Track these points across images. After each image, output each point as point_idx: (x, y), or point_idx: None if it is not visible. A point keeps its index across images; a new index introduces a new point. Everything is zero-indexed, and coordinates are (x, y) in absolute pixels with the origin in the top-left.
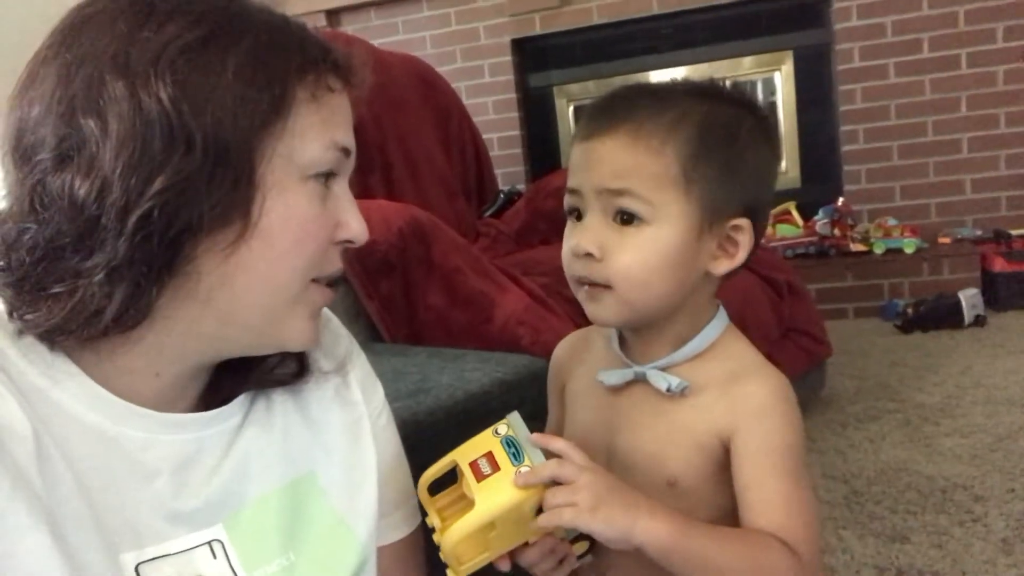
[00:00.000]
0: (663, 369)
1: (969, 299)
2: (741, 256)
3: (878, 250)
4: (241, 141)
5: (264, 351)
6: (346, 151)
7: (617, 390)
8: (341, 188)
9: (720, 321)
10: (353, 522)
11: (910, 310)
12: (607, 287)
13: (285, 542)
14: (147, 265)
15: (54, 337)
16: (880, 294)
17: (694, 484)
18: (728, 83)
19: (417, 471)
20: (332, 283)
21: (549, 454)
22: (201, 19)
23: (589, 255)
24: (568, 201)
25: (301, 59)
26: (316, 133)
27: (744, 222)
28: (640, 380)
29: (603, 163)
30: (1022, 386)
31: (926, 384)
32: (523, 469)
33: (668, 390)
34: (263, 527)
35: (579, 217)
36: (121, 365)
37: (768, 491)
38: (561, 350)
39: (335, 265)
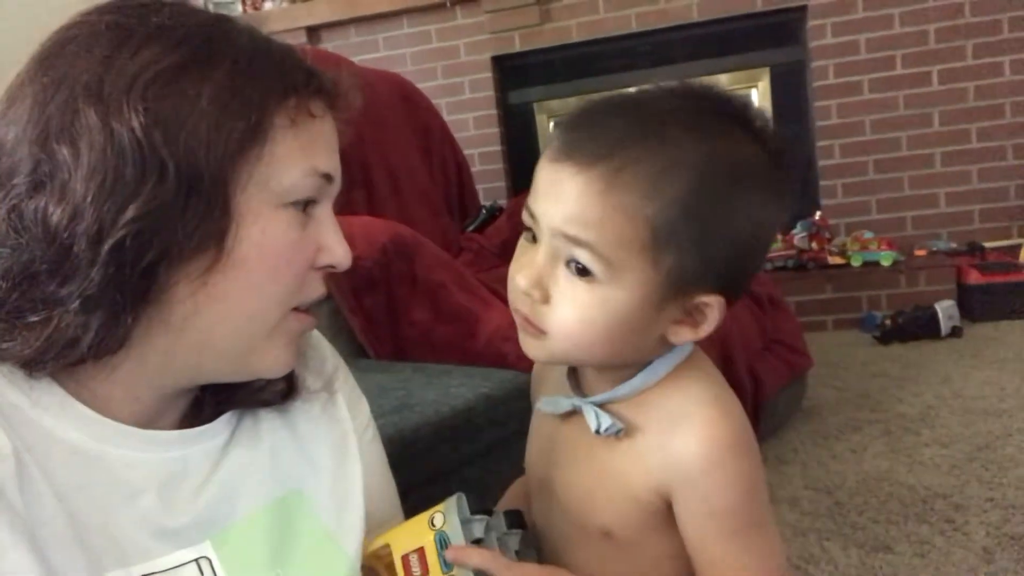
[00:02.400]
0: (602, 404)
1: (945, 311)
2: (706, 330)
3: (856, 263)
4: (215, 169)
5: (241, 379)
6: (327, 177)
7: (561, 420)
8: (324, 212)
9: (676, 355)
10: (341, 538)
11: (888, 322)
12: (542, 331)
13: (274, 559)
14: (121, 293)
15: (32, 366)
16: (858, 306)
17: (631, 536)
18: (749, 102)
19: (403, 487)
20: (310, 307)
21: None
22: (179, 44)
23: (530, 296)
24: (525, 218)
25: (281, 85)
26: (294, 160)
27: (715, 300)
28: (579, 412)
29: (566, 202)
30: (998, 396)
31: (905, 395)
32: None
33: (597, 432)
34: (251, 544)
35: (533, 239)
36: (99, 391)
37: (715, 556)
38: (535, 370)
39: (316, 292)
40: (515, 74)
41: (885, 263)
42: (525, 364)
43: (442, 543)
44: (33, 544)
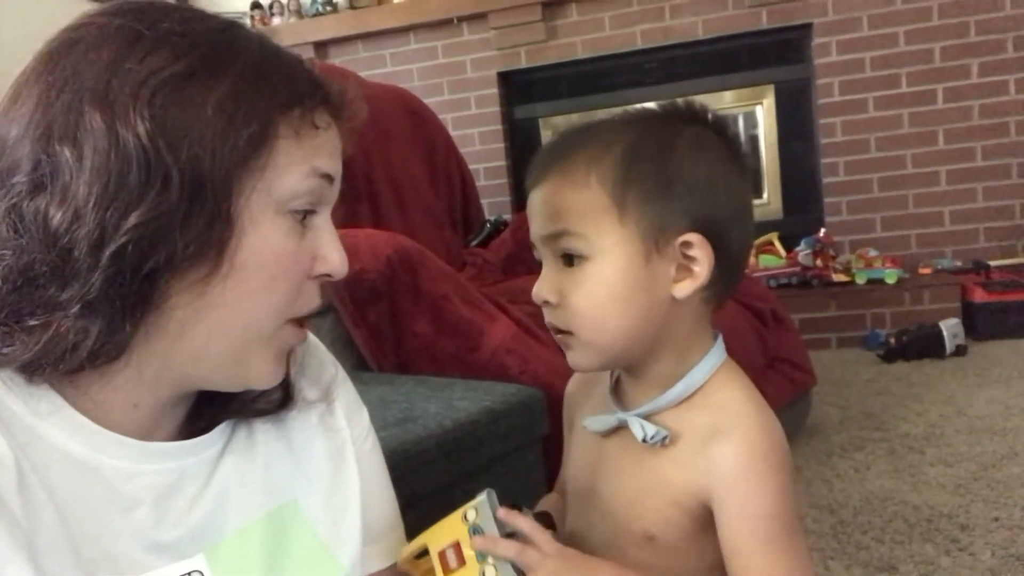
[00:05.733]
0: (646, 416)
1: (950, 329)
2: (702, 274)
3: (860, 280)
4: (219, 178)
5: (233, 388)
6: (327, 178)
7: (605, 435)
8: (322, 220)
9: (710, 361)
10: (336, 550)
11: (893, 340)
12: (570, 332)
13: (267, 571)
14: (121, 300)
15: (31, 372)
16: (862, 324)
17: (673, 541)
18: (682, 102)
19: (405, 500)
20: (304, 319)
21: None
22: (187, 51)
23: (549, 303)
24: (535, 254)
25: (287, 94)
26: (296, 167)
27: (694, 237)
28: (625, 426)
29: (541, 210)
30: (1003, 415)
31: (910, 413)
32: (487, 570)
33: (644, 440)
34: (245, 557)
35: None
36: (98, 398)
37: (749, 560)
38: (572, 385)
39: (312, 302)
40: (521, 90)
41: (889, 281)
42: (528, 378)
43: (477, 534)
44: (32, 554)
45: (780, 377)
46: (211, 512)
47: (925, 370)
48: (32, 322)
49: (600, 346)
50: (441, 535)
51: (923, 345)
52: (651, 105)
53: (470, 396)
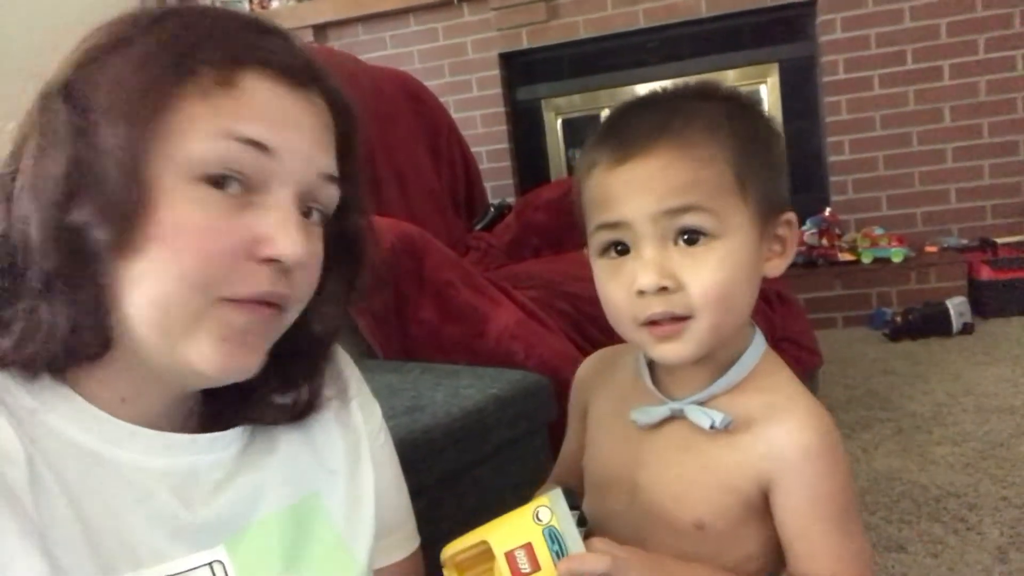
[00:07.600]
0: (702, 403)
1: (957, 307)
2: (792, 251)
3: (866, 259)
4: (127, 146)
5: (186, 379)
6: (258, 145)
7: (645, 427)
8: (272, 199)
9: (757, 347)
10: (352, 544)
11: (899, 319)
12: (686, 318)
13: (287, 563)
14: (69, 282)
15: (28, 367)
16: (868, 303)
17: (724, 528)
18: (717, 82)
19: (414, 489)
20: (270, 303)
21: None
22: (122, 27)
23: (664, 288)
24: (606, 236)
25: (194, 55)
26: (202, 129)
27: (792, 215)
28: (675, 416)
29: (653, 185)
30: (1011, 393)
31: (917, 392)
32: None
33: (712, 427)
34: (265, 548)
35: (621, 252)
36: (105, 390)
37: (815, 543)
38: (585, 370)
39: (254, 286)
40: (522, 71)
41: (895, 259)
42: (534, 363)
43: (552, 537)
44: (45, 548)
45: (786, 357)
46: (233, 504)
47: (932, 349)
48: (6, 315)
49: (722, 328)
50: (507, 534)
51: (929, 324)
52: (690, 84)
53: (476, 383)
